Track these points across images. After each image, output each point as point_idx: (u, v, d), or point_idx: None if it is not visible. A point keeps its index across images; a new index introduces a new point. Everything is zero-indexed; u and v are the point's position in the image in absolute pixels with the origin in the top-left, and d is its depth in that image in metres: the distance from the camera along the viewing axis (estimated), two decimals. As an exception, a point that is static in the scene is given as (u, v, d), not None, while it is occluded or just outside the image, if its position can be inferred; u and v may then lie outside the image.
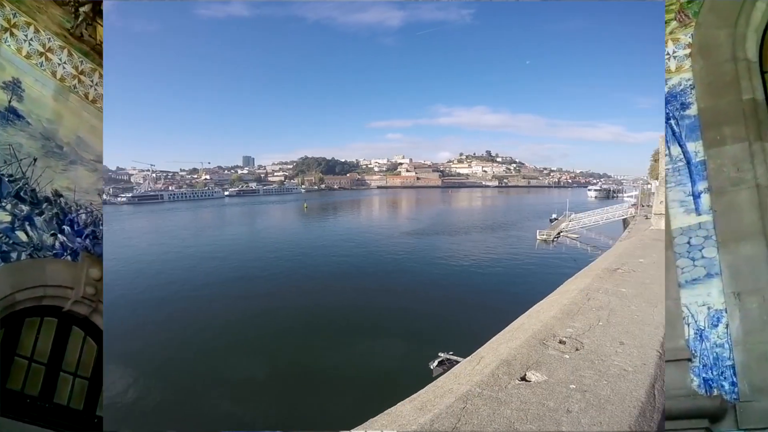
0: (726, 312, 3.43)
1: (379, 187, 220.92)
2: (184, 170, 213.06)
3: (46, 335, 4.95)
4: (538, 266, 32.20)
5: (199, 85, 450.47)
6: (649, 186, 53.82)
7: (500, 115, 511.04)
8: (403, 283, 27.24)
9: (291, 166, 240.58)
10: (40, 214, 4.87)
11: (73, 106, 5.46)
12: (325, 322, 19.70)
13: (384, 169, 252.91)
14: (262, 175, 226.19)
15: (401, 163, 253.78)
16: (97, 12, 5.58)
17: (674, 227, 3.91)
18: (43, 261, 4.84)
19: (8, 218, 4.50)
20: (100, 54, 5.76)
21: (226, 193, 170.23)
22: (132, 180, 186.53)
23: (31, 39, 4.92)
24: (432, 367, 13.47)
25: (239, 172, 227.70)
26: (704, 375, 3.39)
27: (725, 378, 3.33)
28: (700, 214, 3.85)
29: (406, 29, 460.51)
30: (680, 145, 4.14)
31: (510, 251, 38.71)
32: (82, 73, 5.57)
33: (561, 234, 45.70)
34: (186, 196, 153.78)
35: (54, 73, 5.22)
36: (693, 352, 3.40)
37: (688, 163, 4.04)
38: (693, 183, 3.96)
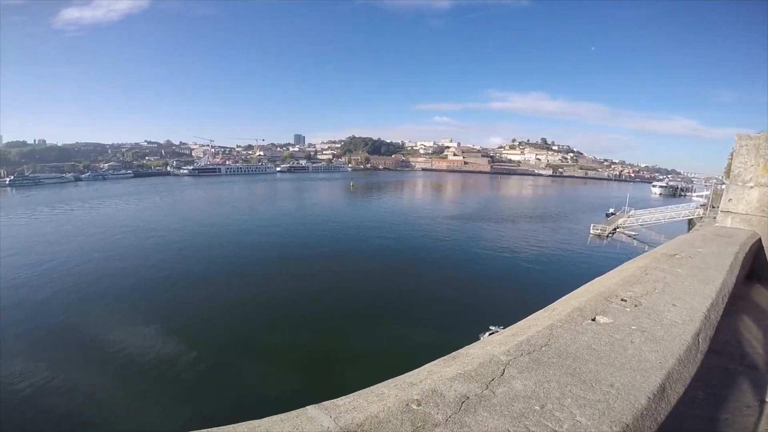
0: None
1: (423, 170, 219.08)
2: (240, 146, 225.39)
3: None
4: (588, 262, 31.09)
5: (254, 66, 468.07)
6: (723, 186, 48.92)
7: (559, 101, 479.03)
8: (443, 267, 27.68)
9: (339, 145, 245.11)
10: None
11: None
12: (367, 304, 20.23)
13: (430, 151, 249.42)
14: (312, 153, 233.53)
15: (448, 147, 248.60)
16: None
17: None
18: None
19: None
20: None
21: (278, 168, 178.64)
22: (193, 154, 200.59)
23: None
24: (482, 338, 14.00)
25: (290, 149, 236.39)
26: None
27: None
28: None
29: (455, 12, 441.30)
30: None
31: (559, 244, 37.48)
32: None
33: (617, 230, 43.27)
34: (241, 171, 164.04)
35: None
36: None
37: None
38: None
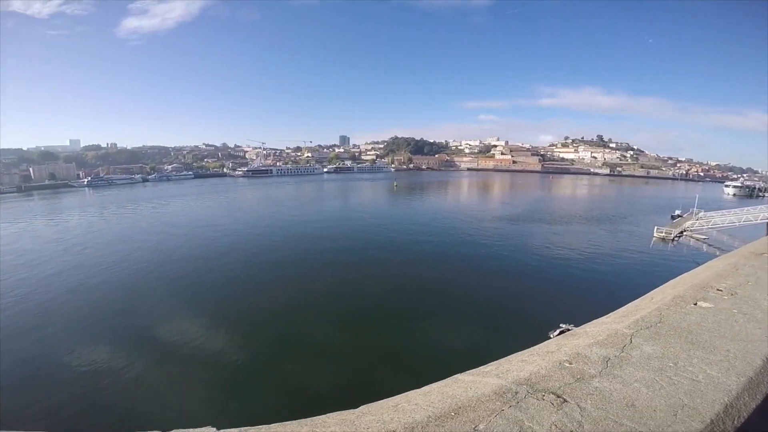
0: None
1: (469, 169, 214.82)
2: (289, 148, 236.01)
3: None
4: (653, 266, 29.10)
5: (297, 69, 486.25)
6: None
7: (615, 97, 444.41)
8: (497, 268, 27.39)
9: (382, 146, 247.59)
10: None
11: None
12: (411, 304, 20.33)
13: (475, 150, 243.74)
14: (356, 154, 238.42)
15: (495, 145, 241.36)
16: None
17: None
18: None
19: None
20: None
21: (325, 169, 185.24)
22: (246, 156, 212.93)
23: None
24: (552, 336, 13.93)
25: (336, 150, 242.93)
26: None
27: None
28: None
29: (495, 8, 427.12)
30: None
31: (618, 247, 35.36)
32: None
33: (684, 233, 39.92)
34: (291, 172, 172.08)
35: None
36: None
37: None
38: None
